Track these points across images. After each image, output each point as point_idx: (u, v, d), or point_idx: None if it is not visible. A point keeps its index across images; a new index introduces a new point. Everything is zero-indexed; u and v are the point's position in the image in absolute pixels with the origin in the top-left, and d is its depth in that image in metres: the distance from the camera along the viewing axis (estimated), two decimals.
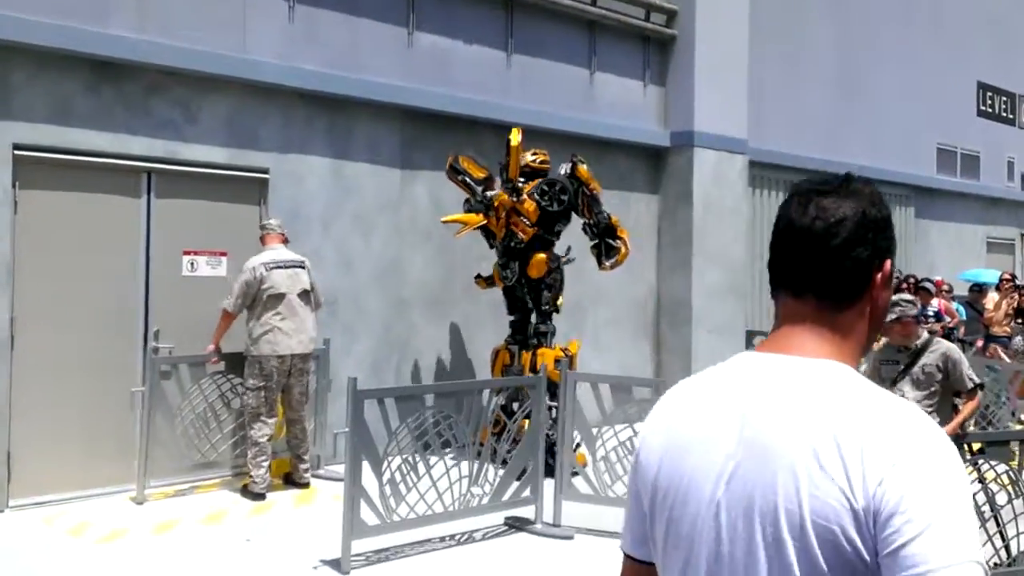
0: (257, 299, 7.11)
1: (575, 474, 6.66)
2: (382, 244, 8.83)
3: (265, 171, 8.03)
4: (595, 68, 10.61)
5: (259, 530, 6.34)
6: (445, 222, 8.78)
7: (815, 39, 13.57)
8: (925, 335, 6.45)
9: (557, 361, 8.38)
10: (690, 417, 1.47)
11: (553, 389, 7.23)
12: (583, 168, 8.44)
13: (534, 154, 8.50)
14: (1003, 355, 10.88)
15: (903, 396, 5.80)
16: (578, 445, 6.95)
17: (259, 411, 7.16)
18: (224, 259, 7.84)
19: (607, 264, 8.66)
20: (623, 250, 8.57)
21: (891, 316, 6.79)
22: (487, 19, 9.64)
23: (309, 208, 8.31)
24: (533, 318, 8.63)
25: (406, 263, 9.01)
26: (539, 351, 8.39)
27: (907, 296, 6.61)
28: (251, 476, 7.14)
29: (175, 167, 7.54)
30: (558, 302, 8.59)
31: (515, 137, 8.23)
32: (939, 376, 5.94)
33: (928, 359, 5.99)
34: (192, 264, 7.68)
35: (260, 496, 7.04)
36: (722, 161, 11.36)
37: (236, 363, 7.40)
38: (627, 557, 1.66)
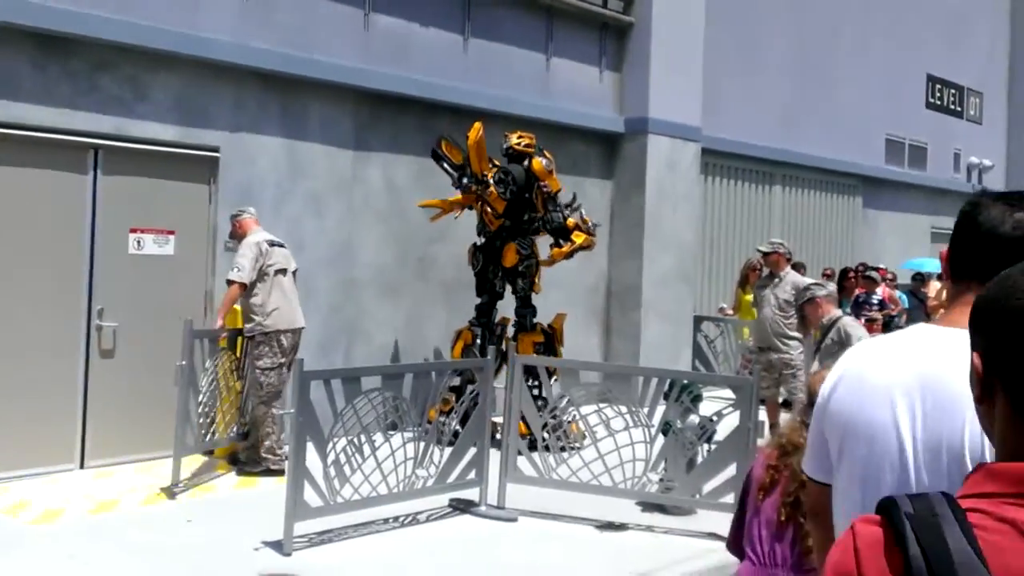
0: (262, 275, 7.23)
1: (567, 448, 6.72)
2: (335, 225, 8.82)
3: (215, 150, 7.97)
4: (552, 54, 10.64)
5: (200, 511, 6.34)
6: (422, 206, 8.98)
7: (771, 28, 13.72)
8: (835, 313, 6.89)
9: (536, 346, 8.55)
10: (879, 371, 1.76)
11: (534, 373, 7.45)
12: (537, 161, 8.47)
13: (519, 137, 8.64)
14: None
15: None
16: (572, 420, 7.01)
17: (279, 389, 7.24)
18: (172, 237, 7.78)
19: (545, 258, 8.79)
20: (564, 249, 8.63)
21: (804, 298, 7.21)
22: (444, 2, 9.62)
23: (261, 188, 8.26)
24: (506, 303, 8.82)
25: (358, 245, 9.01)
26: (520, 336, 8.61)
27: (818, 281, 7.10)
28: (276, 454, 7.18)
29: (123, 144, 7.45)
30: (535, 285, 8.74)
31: (473, 134, 8.26)
32: (836, 348, 6.30)
33: (832, 334, 6.49)
34: (139, 242, 7.62)
35: (280, 472, 6.85)
36: (675, 148, 11.47)
37: (233, 340, 7.47)
38: (810, 479, 1.99)
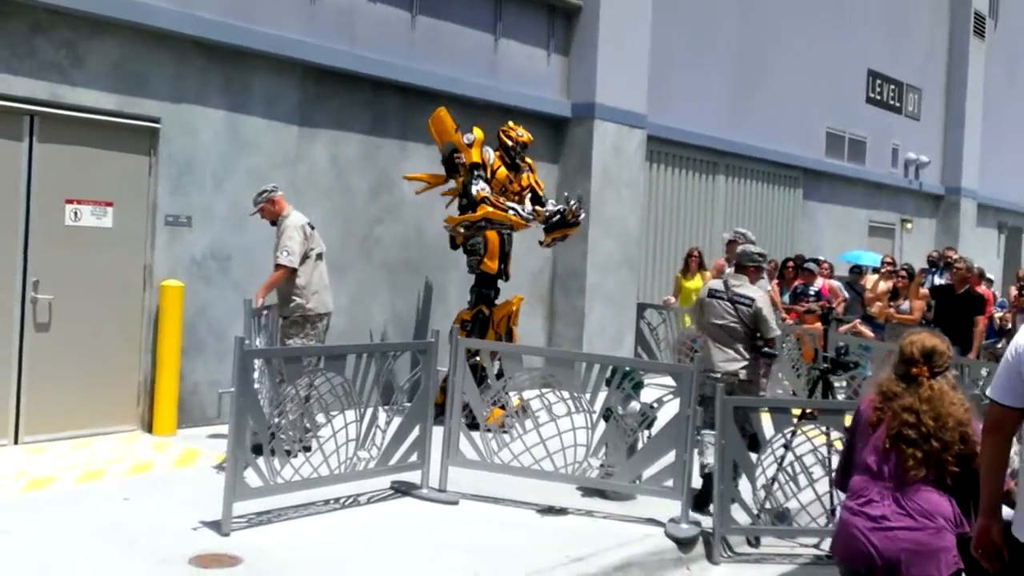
0: (306, 258, 7.32)
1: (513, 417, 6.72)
2: (283, 199, 8.65)
3: (156, 120, 7.78)
4: (500, 35, 10.59)
5: (138, 489, 6.23)
6: (408, 179, 9.12)
7: (718, 19, 13.82)
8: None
9: (463, 323, 8.57)
10: None
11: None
12: (457, 134, 8.61)
13: (513, 130, 8.94)
14: (864, 330, 11.43)
15: None
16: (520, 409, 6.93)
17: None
18: (110, 209, 7.59)
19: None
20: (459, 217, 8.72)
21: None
22: None
23: (202, 161, 8.09)
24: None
25: None
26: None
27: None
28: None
29: (59, 111, 7.23)
30: (488, 266, 8.77)
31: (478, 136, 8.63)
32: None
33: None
34: (76, 213, 7.42)
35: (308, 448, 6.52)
36: (621, 134, 11.52)
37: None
38: (994, 403, 2.91)
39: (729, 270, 9.15)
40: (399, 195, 9.64)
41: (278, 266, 7.24)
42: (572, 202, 8.97)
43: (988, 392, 3.32)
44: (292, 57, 8.56)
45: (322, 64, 8.81)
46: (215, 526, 5.48)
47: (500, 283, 9.10)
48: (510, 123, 9.14)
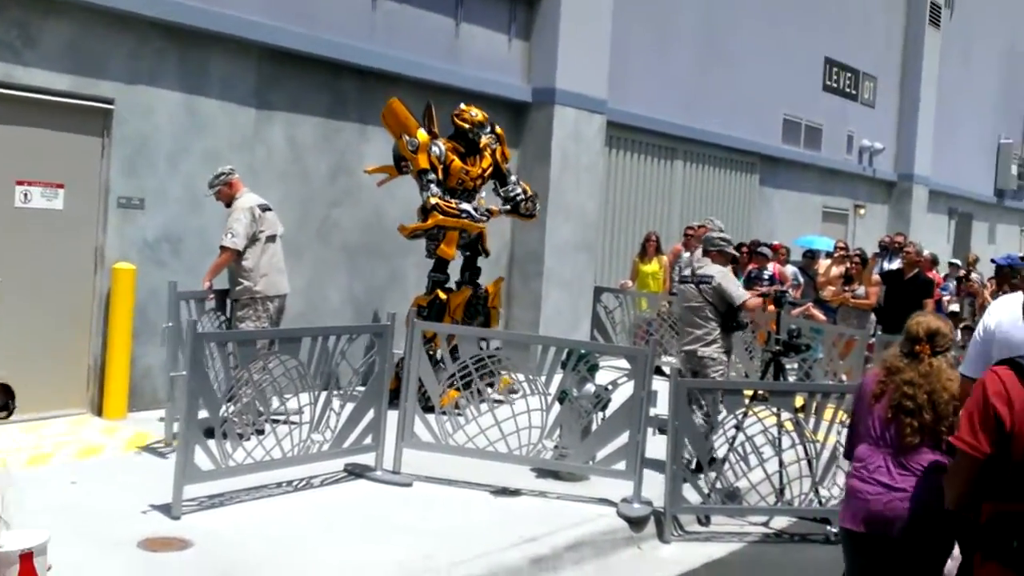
0: (254, 240, 7.26)
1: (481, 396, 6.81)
2: (240, 182, 8.59)
3: (110, 102, 7.68)
4: (461, 19, 10.56)
5: (86, 473, 6.19)
6: (369, 172, 9.05)
7: (679, 5, 13.88)
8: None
9: (419, 309, 8.58)
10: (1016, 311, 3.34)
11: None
12: (402, 141, 8.59)
13: (466, 111, 8.94)
14: (816, 313, 11.62)
15: None
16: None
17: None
18: (61, 191, 7.50)
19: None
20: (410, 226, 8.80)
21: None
22: None
23: (157, 143, 8.01)
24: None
25: None
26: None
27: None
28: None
29: (10, 91, 7.12)
30: (445, 252, 8.77)
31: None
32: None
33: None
34: (26, 195, 7.31)
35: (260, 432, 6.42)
36: (581, 119, 11.56)
37: (223, 301, 7.43)
38: (966, 378, 3.40)
39: (687, 255, 9.31)
40: (358, 178, 9.61)
41: (222, 248, 7.22)
42: (527, 193, 9.21)
43: (961, 370, 3.75)
44: (249, 39, 8.49)
45: (280, 46, 8.74)
46: (165, 509, 5.47)
47: (480, 259, 9.32)
48: (461, 105, 9.10)
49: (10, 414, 7.08)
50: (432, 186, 8.49)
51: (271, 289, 7.37)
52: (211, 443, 5.67)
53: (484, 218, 8.80)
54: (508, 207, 9.29)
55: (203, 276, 7.38)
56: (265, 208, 7.47)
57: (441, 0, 10.34)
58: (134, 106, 7.82)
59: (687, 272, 7.55)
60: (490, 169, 9.12)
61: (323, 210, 9.37)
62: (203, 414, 5.70)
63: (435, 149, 8.60)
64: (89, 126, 7.64)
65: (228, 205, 7.47)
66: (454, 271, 9.22)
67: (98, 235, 7.71)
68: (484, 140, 9.05)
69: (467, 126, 8.90)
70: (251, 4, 8.52)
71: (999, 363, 2.82)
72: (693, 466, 6.67)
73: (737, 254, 8.22)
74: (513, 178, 9.45)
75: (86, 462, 6.47)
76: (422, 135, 8.51)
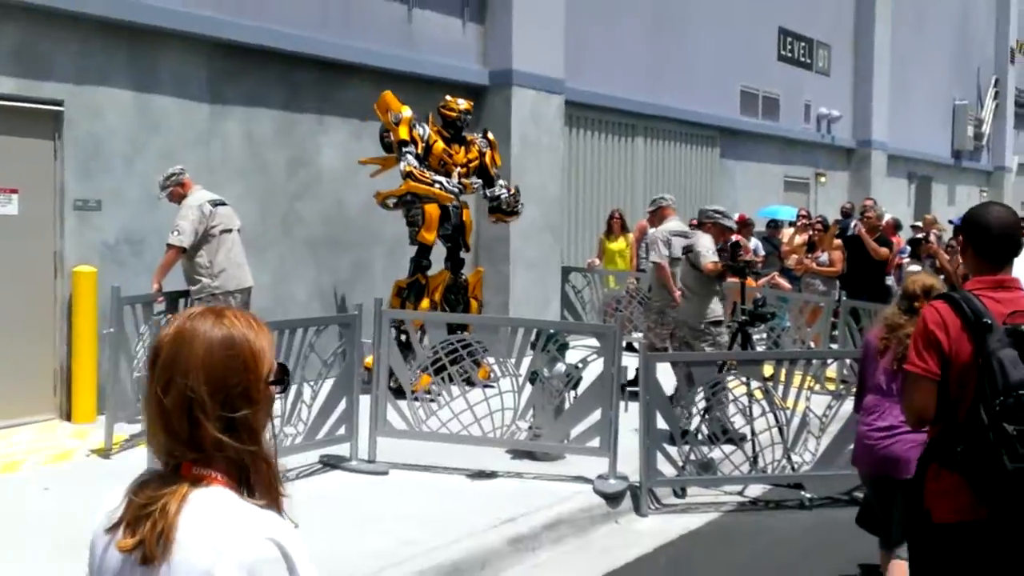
0: (207, 236, 7.16)
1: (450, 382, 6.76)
2: (191, 181, 8.50)
3: (59, 103, 7.56)
4: (414, 4, 10.49)
5: (57, 479, 6.12)
6: (362, 163, 9.22)
7: None
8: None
9: (399, 290, 8.85)
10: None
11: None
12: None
13: (452, 102, 9.10)
14: (782, 282, 11.74)
15: None
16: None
17: None
18: (15, 196, 7.38)
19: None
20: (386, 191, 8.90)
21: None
22: None
23: (110, 143, 7.90)
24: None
25: None
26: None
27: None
28: None
29: None
30: (424, 237, 8.91)
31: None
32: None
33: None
34: None
35: None
36: (539, 100, 11.55)
37: (174, 303, 7.36)
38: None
39: (651, 231, 9.44)
40: (317, 170, 9.55)
41: (168, 246, 7.17)
42: (511, 192, 9.45)
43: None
44: (200, 33, 8.38)
45: (232, 40, 8.64)
46: None
47: (461, 253, 9.43)
48: (447, 97, 9.28)
49: None
50: (409, 156, 8.64)
51: (230, 283, 7.30)
52: None
53: (456, 190, 8.85)
54: (491, 205, 9.51)
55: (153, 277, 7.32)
56: (217, 203, 7.39)
57: None
58: (84, 107, 7.71)
59: (688, 248, 7.88)
60: (476, 162, 9.28)
61: (284, 204, 9.30)
62: None
63: (419, 128, 8.85)
64: (39, 129, 7.52)
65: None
66: (437, 263, 9.27)
67: (56, 239, 7.61)
68: (473, 140, 9.30)
69: (454, 114, 9.09)
70: None
71: (936, 297, 3.29)
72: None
73: (735, 226, 8.44)
74: (501, 182, 9.55)
75: (56, 467, 6.40)
76: (406, 111, 8.73)
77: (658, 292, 8.79)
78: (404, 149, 8.67)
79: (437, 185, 8.64)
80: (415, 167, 8.60)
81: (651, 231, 9.49)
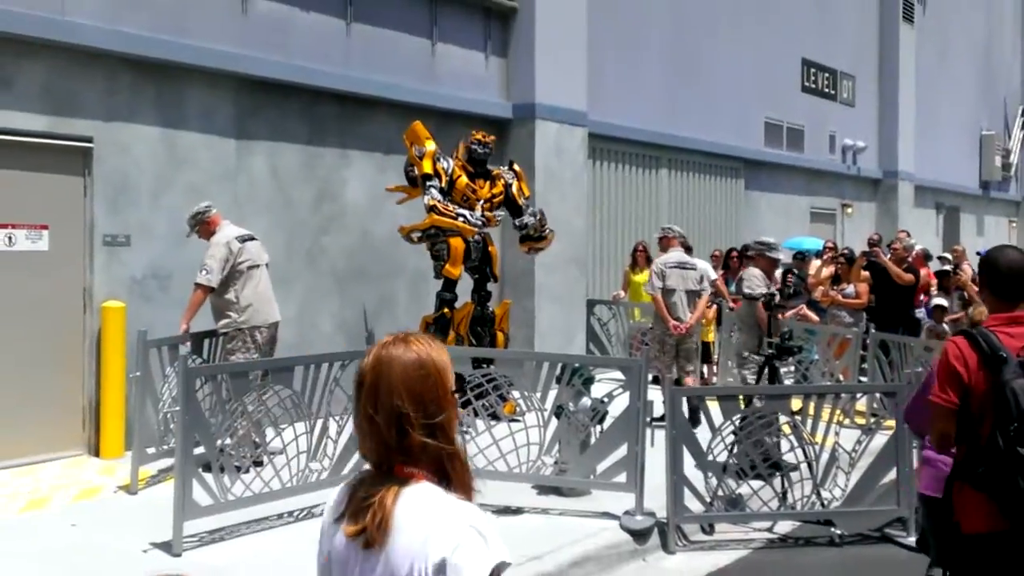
0: (235, 272, 7.16)
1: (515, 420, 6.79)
2: (219, 216, 8.57)
3: (89, 140, 7.66)
4: (437, 39, 10.59)
5: (84, 515, 6.12)
6: (389, 190, 9.29)
7: (650, 15, 13.94)
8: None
9: (427, 326, 8.95)
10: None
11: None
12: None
13: (475, 135, 9.20)
14: (809, 314, 11.62)
15: None
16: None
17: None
18: (45, 232, 7.46)
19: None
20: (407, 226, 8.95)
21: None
22: None
23: (138, 179, 7.99)
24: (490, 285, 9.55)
25: None
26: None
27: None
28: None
29: None
30: (450, 272, 8.97)
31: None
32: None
33: None
34: (10, 238, 7.28)
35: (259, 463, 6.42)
36: (563, 133, 11.58)
37: (200, 343, 7.40)
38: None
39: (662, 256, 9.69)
40: (342, 203, 9.60)
41: (196, 285, 7.15)
42: (536, 216, 9.48)
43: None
44: (225, 70, 8.49)
45: (257, 75, 8.74)
46: (166, 547, 5.42)
47: (489, 284, 9.49)
48: (472, 131, 9.34)
49: None
50: (432, 190, 8.66)
51: (257, 319, 7.28)
52: (208, 477, 5.62)
53: (480, 223, 8.83)
54: (522, 234, 9.58)
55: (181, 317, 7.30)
56: (245, 239, 7.39)
57: (416, 21, 10.36)
58: (112, 143, 7.80)
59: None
60: (500, 197, 9.29)
61: (310, 238, 9.35)
62: (199, 449, 5.66)
63: (443, 162, 8.90)
64: (70, 166, 7.61)
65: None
66: (464, 294, 9.30)
67: (86, 275, 7.67)
68: (499, 173, 9.35)
69: (478, 148, 9.14)
70: (225, 35, 8.52)
71: (956, 334, 3.55)
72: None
73: (779, 257, 8.75)
74: (530, 209, 9.57)
75: (85, 503, 6.41)
76: (430, 145, 8.77)
77: (656, 322, 9.27)
78: (428, 183, 8.72)
79: (460, 218, 8.67)
80: (438, 200, 8.64)
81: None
